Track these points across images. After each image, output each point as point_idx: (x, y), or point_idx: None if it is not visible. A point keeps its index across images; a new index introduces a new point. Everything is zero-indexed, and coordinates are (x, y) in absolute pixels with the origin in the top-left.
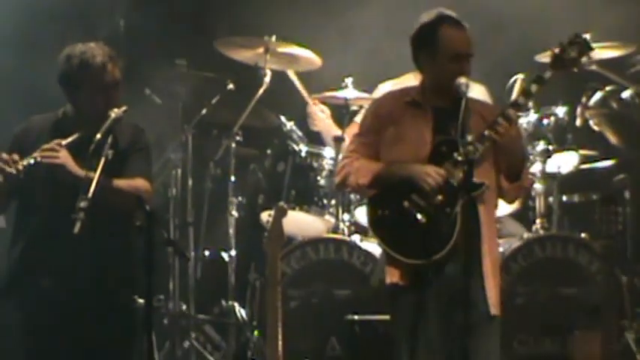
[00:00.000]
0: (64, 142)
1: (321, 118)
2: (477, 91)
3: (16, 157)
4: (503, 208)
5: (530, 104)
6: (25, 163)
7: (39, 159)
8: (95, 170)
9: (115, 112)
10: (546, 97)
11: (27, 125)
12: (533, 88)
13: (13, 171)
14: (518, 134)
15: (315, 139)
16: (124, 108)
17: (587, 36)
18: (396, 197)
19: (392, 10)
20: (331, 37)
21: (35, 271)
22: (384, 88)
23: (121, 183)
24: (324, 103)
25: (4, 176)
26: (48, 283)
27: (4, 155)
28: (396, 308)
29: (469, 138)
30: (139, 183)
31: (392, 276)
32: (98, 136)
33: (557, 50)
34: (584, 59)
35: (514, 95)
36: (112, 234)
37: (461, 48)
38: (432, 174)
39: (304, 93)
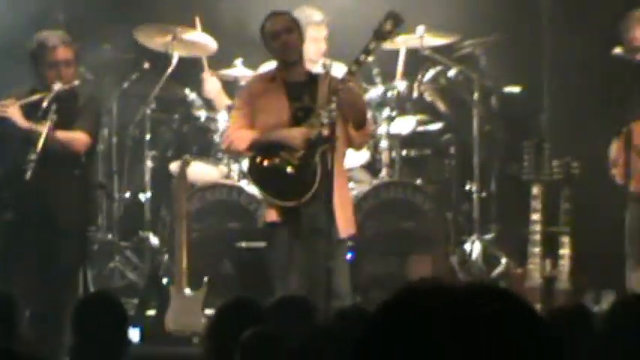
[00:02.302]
0: (19, 103)
1: (209, 90)
2: (340, 68)
3: None
4: (355, 160)
5: (379, 80)
6: None
7: None
8: (44, 127)
9: (57, 86)
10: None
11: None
12: (362, 57)
13: None
14: (359, 92)
15: (211, 106)
16: (75, 83)
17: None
18: (269, 155)
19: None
20: (228, 23)
21: (1, 207)
22: (265, 67)
23: (61, 135)
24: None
25: None
26: (10, 217)
27: None
28: (272, 240)
29: (332, 106)
30: (76, 135)
31: (270, 216)
32: (45, 103)
33: (376, 25)
34: (398, 30)
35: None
36: (57, 179)
37: (274, 27)
38: (298, 135)
39: (206, 67)
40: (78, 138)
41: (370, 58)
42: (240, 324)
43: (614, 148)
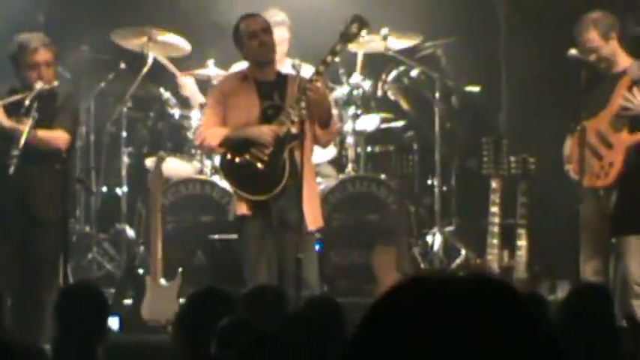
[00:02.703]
0: (1, 102)
1: (188, 88)
2: (308, 70)
3: None
4: (323, 156)
5: (345, 79)
6: None
7: None
8: (26, 125)
9: (39, 85)
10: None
11: None
12: (329, 58)
13: None
14: (325, 92)
15: (185, 104)
16: (55, 83)
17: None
18: (240, 152)
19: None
20: (201, 25)
21: None
22: (236, 67)
23: (41, 133)
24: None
25: None
26: None
27: None
28: (243, 233)
29: (301, 104)
30: (57, 133)
31: (240, 209)
32: (27, 102)
33: (342, 27)
34: (363, 33)
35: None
36: (39, 173)
37: (251, 26)
38: (268, 132)
39: (173, 69)
40: (59, 136)
41: (337, 59)
42: (211, 312)
43: (569, 145)
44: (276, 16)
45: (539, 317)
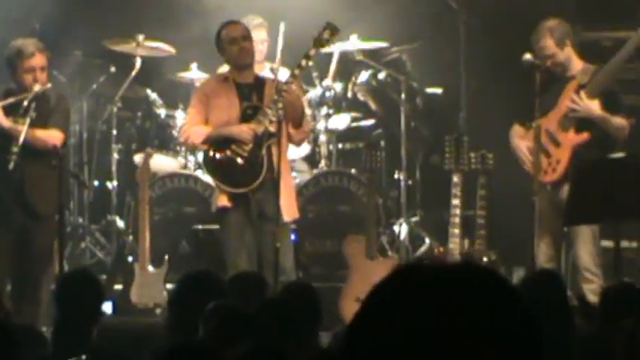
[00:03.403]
0: (0, 104)
1: None
2: (284, 73)
3: None
4: (297, 152)
5: (318, 82)
6: None
7: None
8: (23, 125)
9: (37, 87)
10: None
11: None
12: (304, 62)
13: None
14: (299, 95)
15: (171, 105)
16: (48, 85)
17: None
18: (221, 148)
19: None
20: (186, 30)
21: None
22: (221, 70)
23: (39, 133)
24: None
25: None
26: None
27: None
28: (224, 223)
29: (278, 105)
30: (53, 133)
31: (222, 201)
32: (25, 103)
33: (315, 34)
34: (335, 39)
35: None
36: (37, 168)
37: (232, 33)
38: (247, 130)
39: None
40: (54, 135)
41: (310, 63)
42: (202, 293)
43: (515, 130)
44: (254, 20)
45: (522, 301)
